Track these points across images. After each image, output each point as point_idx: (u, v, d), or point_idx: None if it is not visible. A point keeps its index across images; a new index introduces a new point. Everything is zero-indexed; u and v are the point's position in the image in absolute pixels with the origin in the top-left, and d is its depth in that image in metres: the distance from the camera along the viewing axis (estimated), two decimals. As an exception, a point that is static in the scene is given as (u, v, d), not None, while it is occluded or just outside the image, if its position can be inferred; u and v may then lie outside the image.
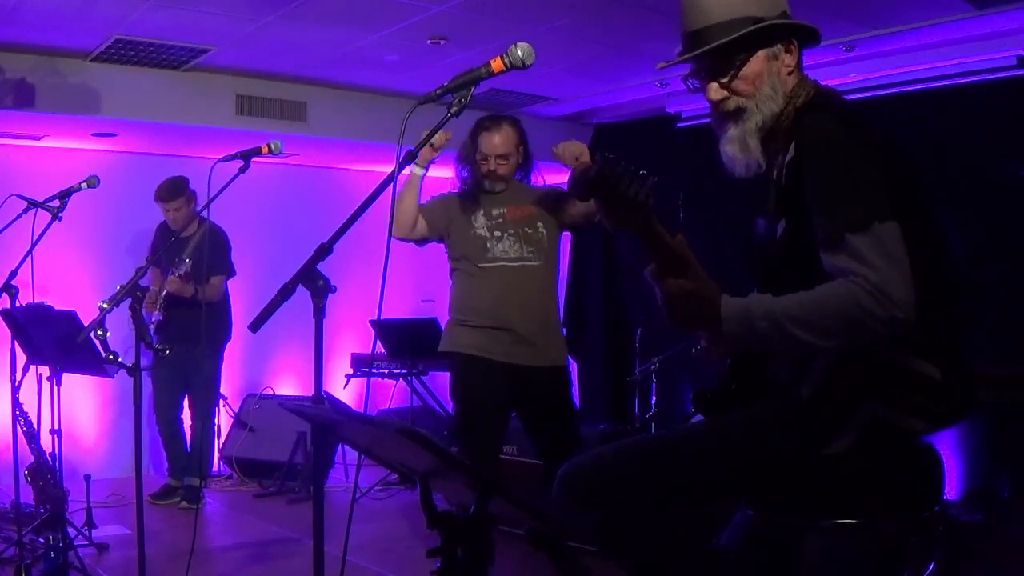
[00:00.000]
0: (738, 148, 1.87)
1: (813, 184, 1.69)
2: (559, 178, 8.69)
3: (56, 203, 3.79)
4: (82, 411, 6.06)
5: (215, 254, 5.24)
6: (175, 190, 5.23)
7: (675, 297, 1.78)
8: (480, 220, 3.79)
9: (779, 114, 1.85)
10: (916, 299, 1.59)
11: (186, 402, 5.45)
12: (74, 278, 5.95)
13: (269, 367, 6.82)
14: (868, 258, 1.59)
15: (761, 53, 1.85)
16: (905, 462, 1.77)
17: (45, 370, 3.86)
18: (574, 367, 7.23)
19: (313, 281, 2.09)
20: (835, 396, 1.74)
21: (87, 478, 4.48)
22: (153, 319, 5.09)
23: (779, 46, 1.86)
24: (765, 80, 1.85)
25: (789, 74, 1.87)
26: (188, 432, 5.44)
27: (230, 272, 5.46)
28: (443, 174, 7.95)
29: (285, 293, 2.12)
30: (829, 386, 1.75)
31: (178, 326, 5.16)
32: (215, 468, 6.23)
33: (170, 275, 4.98)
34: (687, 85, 1.97)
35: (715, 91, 1.88)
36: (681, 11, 1.90)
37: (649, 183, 1.75)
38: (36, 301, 3.89)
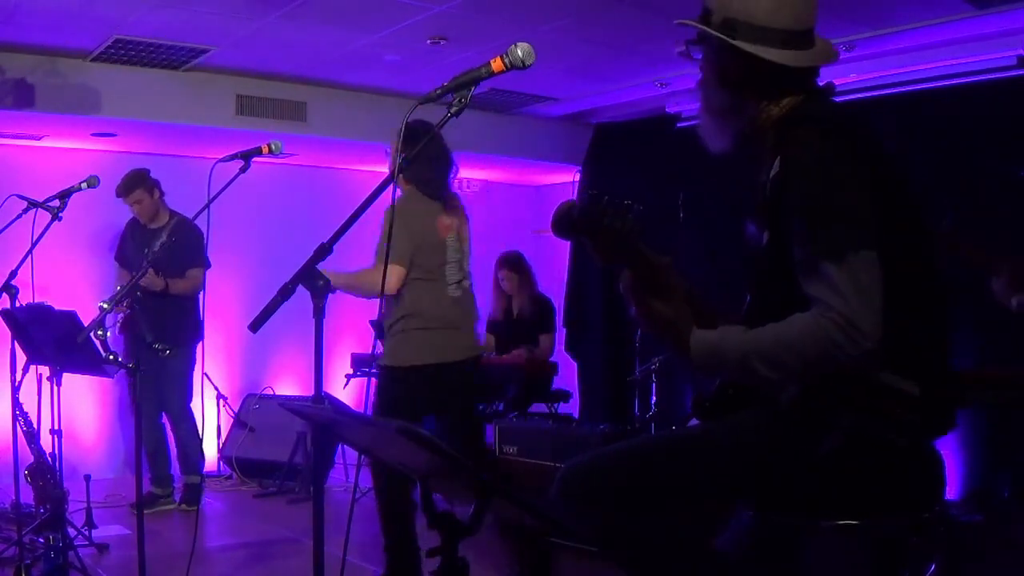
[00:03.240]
0: (702, 122, 1.96)
1: (794, 205, 1.69)
2: (553, 177, 8.69)
3: (56, 203, 3.79)
4: (82, 411, 6.06)
5: (189, 247, 5.03)
6: (131, 184, 5.16)
7: (648, 319, 1.80)
8: None
9: (735, 109, 1.87)
10: (893, 326, 1.60)
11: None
12: (74, 278, 5.95)
13: (269, 367, 6.83)
14: (840, 288, 1.60)
15: (706, 48, 1.89)
16: (905, 463, 1.77)
17: (45, 370, 3.86)
18: (574, 367, 7.24)
19: (313, 281, 2.09)
20: (813, 408, 1.74)
21: (87, 478, 4.48)
22: (118, 319, 4.88)
23: (724, 51, 1.84)
24: (711, 71, 1.90)
25: (743, 78, 1.83)
26: (170, 438, 5.30)
27: (207, 264, 5.23)
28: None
29: (285, 293, 2.13)
30: (807, 398, 1.75)
31: (146, 325, 4.79)
32: (216, 468, 6.23)
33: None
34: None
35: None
36: None
37: (634, 213, 1.73)
38: (36, 301, 3.89)
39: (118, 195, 5.19)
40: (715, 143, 1.95)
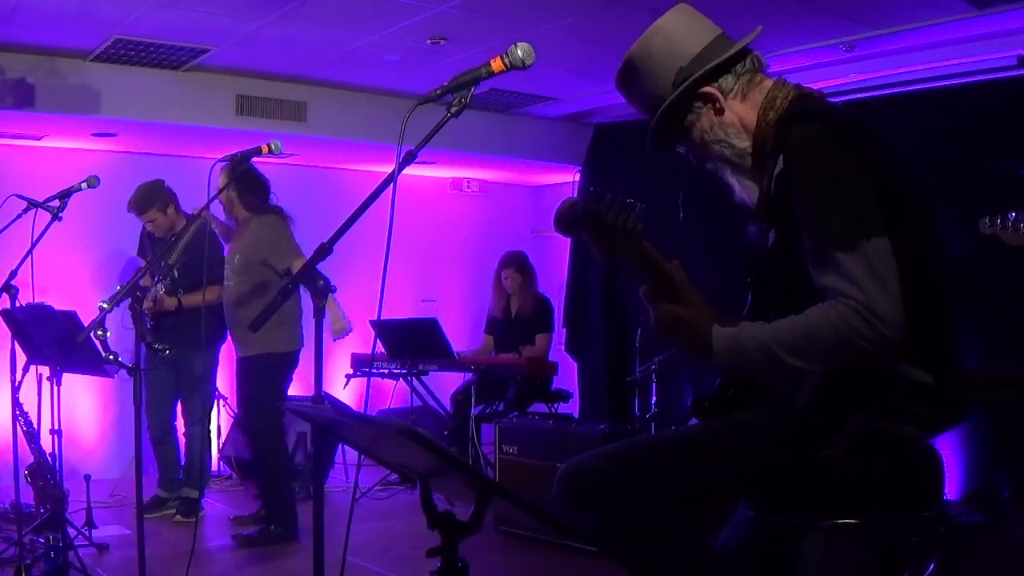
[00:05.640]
0: (739, 189, 1.91)
1: (801, 199, 1.69)
2: (553, 177, 8.67)
3: (56, 203, 3.79)
4: (82, 411, 6.06)
5: (209, 262, 4.74)
6: (143, 203, 4.97)
7: (667, 323, 1.80)
8: None
9: (754, 131, 1.85)
10: (905, 315, 1.59)
11: (179, 408, 5.23)
12: (74, 278, 5.95)
13: (269, 367, 6.80)
14: (856, 277, 1.59)
15: (699, 111, 1.88)
16: (905, 462, 1.77)
17: (45, 370, 3.86)
18: (574, 367, 7.24)
19: (313, 281, 2.10)
20: (828, 405, 1.74)
21: (87, 478, 4.48)
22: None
23: (714, 85, 1.85)
24: (717, 128, 1.87)
25: (744, 98, 1.85)
26: (182, 440, 5.21)
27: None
28: (439, 174, 7.96)
29: (285, 293, 2.13)
30: (822, 395, 1.74)
31: (172, 326, 4.90)
32: (216, 468, 6.22)
33: (150, 294, 4.69)
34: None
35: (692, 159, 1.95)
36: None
37: (637, 211, 1.75)
38: (36, 301, 3.89)
39: (130, 211, 5.03)
40: (753, 197, 1.90)
